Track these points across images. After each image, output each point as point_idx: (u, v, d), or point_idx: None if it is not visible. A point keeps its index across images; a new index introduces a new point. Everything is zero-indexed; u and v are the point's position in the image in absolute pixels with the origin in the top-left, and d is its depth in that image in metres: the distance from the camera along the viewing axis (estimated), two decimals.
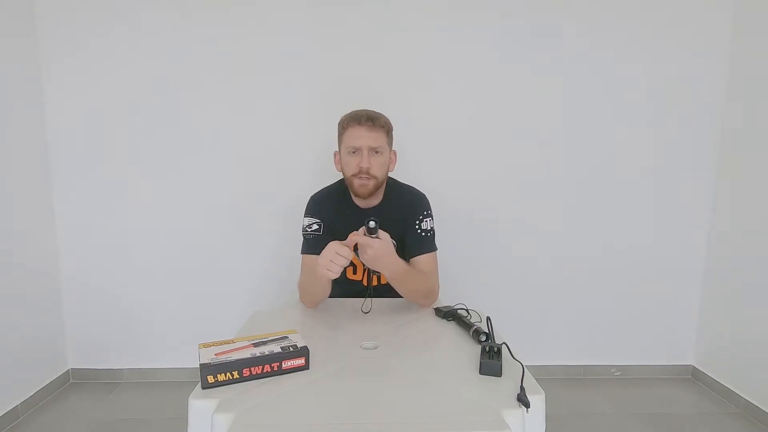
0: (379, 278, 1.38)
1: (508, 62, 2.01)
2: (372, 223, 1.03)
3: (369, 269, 1.37)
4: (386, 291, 1.29)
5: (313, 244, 1.28)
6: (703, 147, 2.08)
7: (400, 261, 1.14)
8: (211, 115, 2.00)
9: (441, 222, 1.40)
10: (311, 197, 1.38)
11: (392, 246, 1.11)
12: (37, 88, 1.93)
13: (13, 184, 1.81)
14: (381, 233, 1.07)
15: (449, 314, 1.14)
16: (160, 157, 2.01)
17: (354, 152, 1.25)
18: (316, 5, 1.95)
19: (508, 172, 2.08)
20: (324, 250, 1.06)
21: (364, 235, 1.06)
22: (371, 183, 1.25)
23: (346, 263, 1.05)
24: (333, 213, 1.32)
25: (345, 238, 1.31)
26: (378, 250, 1.06)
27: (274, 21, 1.95)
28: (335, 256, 1.03)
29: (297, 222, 1.39)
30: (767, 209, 1.84)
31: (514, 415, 0.72)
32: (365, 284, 1.39)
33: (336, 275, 1.06)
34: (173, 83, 1.97)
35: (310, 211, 1.34)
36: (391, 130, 1.31)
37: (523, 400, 0.74)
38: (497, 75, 2.02)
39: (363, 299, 1.26)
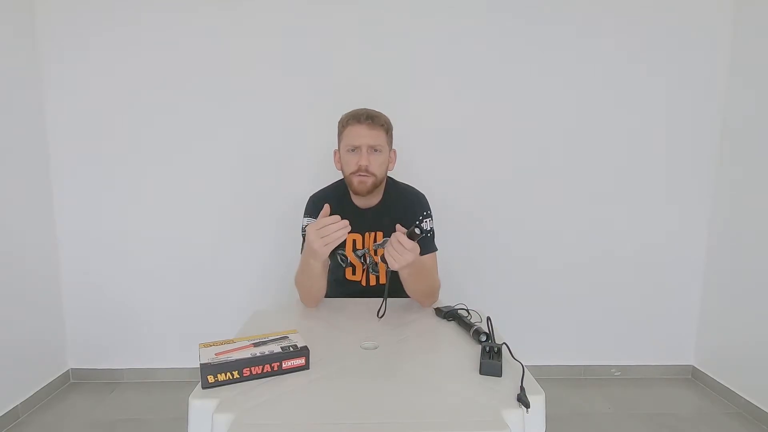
0: (377, 278, 1.38)
1: (509, 62, 2.01)
2: (417, 230, 1.03)
3: (368, 270, 1.37)
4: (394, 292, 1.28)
5: None
6: (702, 147, 2.08)
7: (419, 258, 1.13)
8: (211, 115, 2.00)
9: (441, 222, 1.40)
10: (310, 197, 1.38)
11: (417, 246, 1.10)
12: (37, 88, 1.93)
13: (13, 184, 1.81)
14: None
15: (449, 314, 1.14)
16: (160, 156, 2.01)
17: (353, 150, 1.25)
18: (317, 3, 1.95)
19: (508, 172, 2.08)
20: (310, 236, 1.06)
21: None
22: (370, 180, 1.25)
23: (343, 227, 1.04)
24: (332, 213, 1.32)
25: (343, 237, 1.31)
26: (416, 255, 1.06)
27: (274, 19, 1.95)
28: (326, 229, 1.04)
29: (297, 221, 1.39)
30: (767, 209, 1.84)
31: (514, 415, 0.72)
32: (363, 284, 1.39)
33: (340, 240, 1.05)
34: (173, 83, 1.97)
35: (308, 212, 1.35)
36: (391, 129, 1.32)
37: (523, 400, 0.74)
38: (498, 75, 2.02)
39: (363, 299, 1.25)
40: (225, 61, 1.97)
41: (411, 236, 1.04)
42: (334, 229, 1.04)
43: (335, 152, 1.36)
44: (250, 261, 2.10)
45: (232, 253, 2.09)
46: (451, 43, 1.99)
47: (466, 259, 2.10)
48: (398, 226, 1.09)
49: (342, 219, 1.29)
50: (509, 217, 2.11)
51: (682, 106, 2.05)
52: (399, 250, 1.04)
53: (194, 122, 2.00)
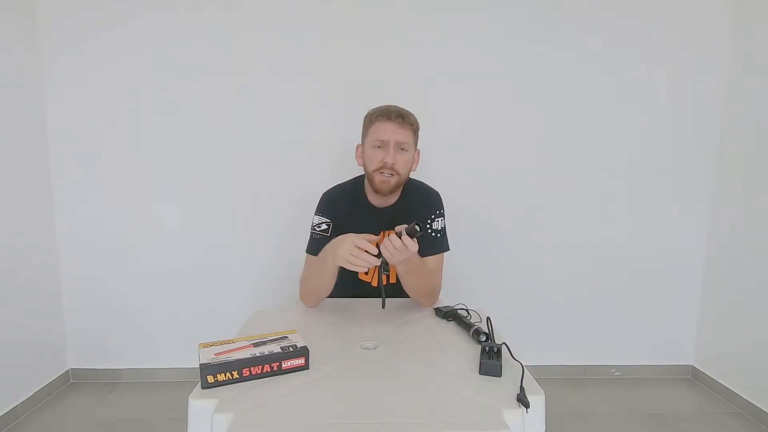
0: (388, 278, 1.36)
1: (514, 63, 2.01)
2: (418, 227, 1.02)
3: (379, 270, 1.36)
4: (395, 293, 1.28)
5: (320, 245, 1.24)
6: (703, 147, 2.08)
7: (417, 256, 1.12)
8: (212, 115, 2.00)
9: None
10: (324, 194, 1.33)
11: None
12: (37, 88, 1.93)
13: (13, 184, 1.81)
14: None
15: (449, 314, 1.14)
16: (160, 156, 2.01)
17: (380, 146, 1.21)
18: (317, 3, 1.94)
19: (508, 172, 2.08)
20: (345, 243, 1.03)
21: (401, 233, 1.03)
22: (393, 180, 1.21)
23: (374, 263, 1.02)
24: (346, 212, 1.28)
25: (366, 269, 1.29)
26: (415, 252, 1.05)
27: (274, 19, 1.95)
28: (360, 254, 1.01)
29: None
30: (767, 209, 1.84)
31: (513, 415, 0.72)
32: (375, 285, 1.37)
33: (363, 269, 1.04)
34: (173, 83, 1.97)
35: (321, 210, 1.30)
36: (418, 129, 1.27)
37: (522, 400, 0.74)
38: (499, 75, 2.02)
39: (363, 299, 1.25)
40: (225, 61, 1.97)
41: (411, 233, 1.02)
42: (366, 258, 1.02)
43: (357, 147, 1.31)
44: (250, 261, 2.10)
45: (232, 253, 2.09)
46: (452, 42, 1.99)
47: (466, 259, 2.09)
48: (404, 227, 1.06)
49: (357, 219, 1.26)
50: (509, 218, 2.11)
51: (683, 107, 2.05)
52: (389, 249, 1.02)
53: (194, 122, 2.00)
